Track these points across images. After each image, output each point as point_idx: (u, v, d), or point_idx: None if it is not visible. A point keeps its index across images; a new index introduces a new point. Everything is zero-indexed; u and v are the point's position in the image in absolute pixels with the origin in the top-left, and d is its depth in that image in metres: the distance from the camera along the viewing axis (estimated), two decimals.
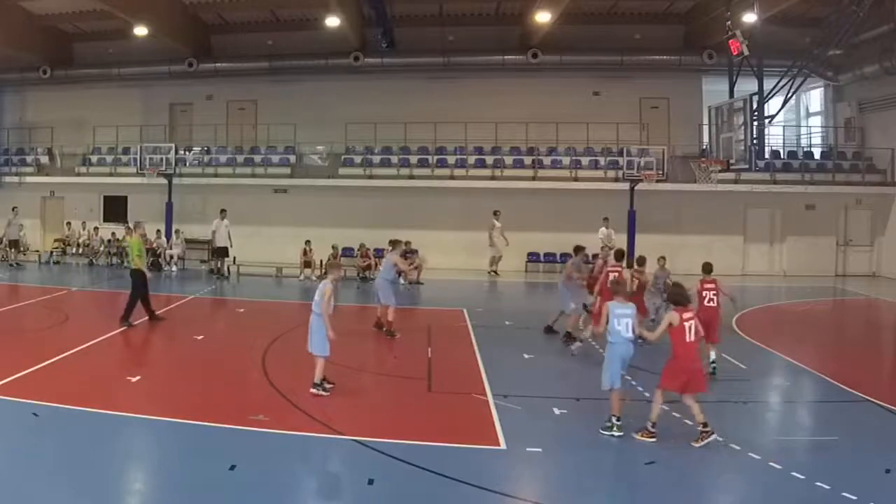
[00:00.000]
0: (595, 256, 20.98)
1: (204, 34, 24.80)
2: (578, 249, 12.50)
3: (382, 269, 12.78)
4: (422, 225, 22.30)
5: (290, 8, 23.27)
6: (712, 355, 9.93)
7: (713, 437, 6.97)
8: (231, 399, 8.42)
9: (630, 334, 7.43)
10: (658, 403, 7.26)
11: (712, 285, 9.94)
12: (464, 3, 23.20)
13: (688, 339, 7.16)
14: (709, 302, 9.85)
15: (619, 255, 12.05)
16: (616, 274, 10.88)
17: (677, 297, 7.48)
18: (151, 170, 22.26)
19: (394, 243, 13.00)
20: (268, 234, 22.80)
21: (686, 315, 7.23)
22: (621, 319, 7.45)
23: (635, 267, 12.51)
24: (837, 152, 23.15)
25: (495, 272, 21.41)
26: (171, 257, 21.53)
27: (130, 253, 13.36)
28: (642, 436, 7.19)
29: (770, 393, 9.60)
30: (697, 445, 6.93)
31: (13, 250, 21.90)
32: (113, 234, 23.26)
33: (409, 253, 20.96)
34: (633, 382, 9.30)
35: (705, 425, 7.01)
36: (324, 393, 8.43)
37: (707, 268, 10.29)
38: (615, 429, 7.30)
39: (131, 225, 22.58)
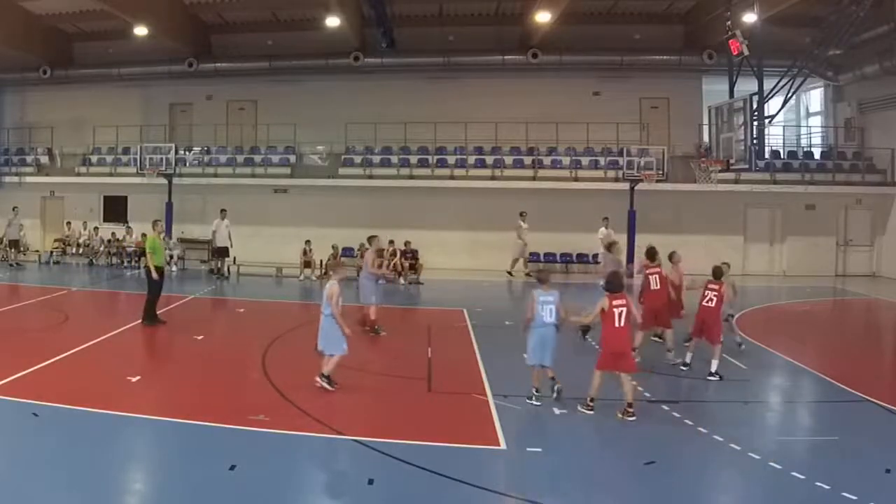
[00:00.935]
0: (595, 256, 21.17)
1: (204, 34, 24.80)
2: (612, 245, 12.15)
3: (363, 268, 12.81)
4: (422, 225, 22.30)
5: (290, 8, 23.28)
6: (714, 364, 9.59)
7: (633, 418, 7.73)
8: (231, 399, 8.42)
9: (551, 319, 8.13)
10: (596, 383, 7.95)
11: (716, 287, 9.80)
12: (464, 3, 23.21)
13: (616, 325, 7.83)
14: (707, 302, 9.77)
15: (650, 255, 11.16)
16: (656, 276, 10.61)
17: (610, 284, 8.15)
18: (151, 170, 22.25)
19: (370, 240, 12.95)
20: (268, 234, 22.79)
21: (616, 301, 7.88)
22: (545, 306, 8.14)
23: (647, 261, 11.23)
24: (837, 152, 23.16)
25: (509, 273, 20.98)
26: (171, 257, 21.51)
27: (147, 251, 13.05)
28: (584, 407, 7.96)
29: (770, 393, 9.60)
30: (619, 415, 7.78)
31: (13, 250, 21.90)
32: (113, 234, 23.29)
33: (408, 252, 21.00)
34: (632, 380, 9.32)
35: (630, 405, 7.82)
36: (328, 387, 8.48)
37: (716, 272, 10.05)
38: (534, 399, 8.23)
39: (130, 224, 23.03)
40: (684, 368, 9.91)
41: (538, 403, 8.20)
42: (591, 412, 7.93)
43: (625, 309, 7.86)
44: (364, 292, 12.38)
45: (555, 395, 8.22)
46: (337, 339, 8.51)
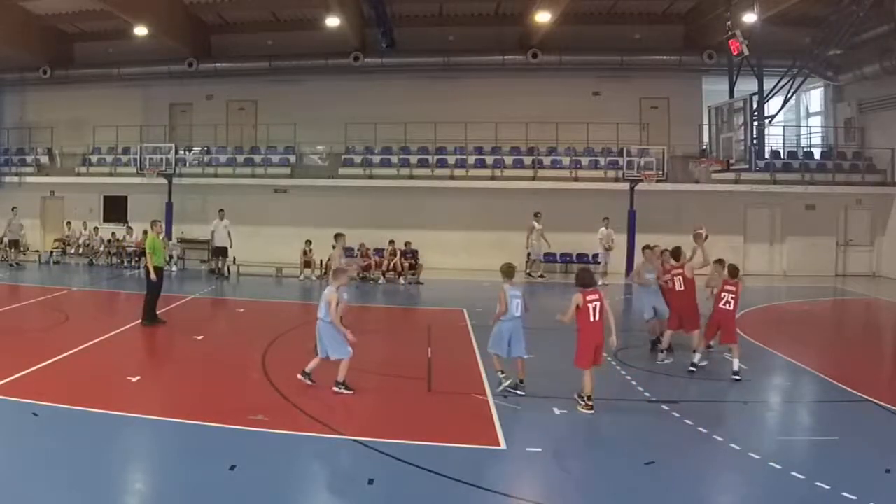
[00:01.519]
0: (595, 256, 21.18)
1: (204, 34, 24.81)
2: (646, 248, 11.96)
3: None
4: (422, 225, 22.32)
5: (290, 8, 23.30)
6: (736, 364, 9.45)
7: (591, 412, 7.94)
8: (231, 399, 8.41)
9: (518, 313, 8.52)
10: (588, 381, 8.00)
11: (733, 288, 9.53)
12: (464, 3, 23.22)
13: (592, 319, 7.99)
14: (725, 304, 9.51)
15: (676, 255, 10.82)
16: (680, 277, 10.32)
17: (582, 279, 8.29)
18: (151, 170, 22.26)
19: (336, 238, 12.81)
20: (268, 234, 22.79)
21: (590, 297, 8.03)
22: (513, 300, 8.52)
23: (672, 262, 10.91)
24: (837, 152, 23.15)
25: (541, 276, 20.80)
26: (171, 257, 21.50)
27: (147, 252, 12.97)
28: (584, 408, 7.96)
29: (770, 393, 9.58)
30: (578, 408, 8.00)
31: (13, 250, 21.90)
32: (113, 234, 23.30)
33: (408, 252, 21.01)
34: (631, 380, 9.34)
35: (589, 398, 8.01)
36: (347, 391, 8.47)
37: (733, 271, 9.77)
38: (506, 381, 8.59)
39: (131, 224, 23.02)
40: (693, 370, 9.72)
41: (508, 382, 8.55)
42: (592, 411, 7.92)
43: (598, 304, 8.02)
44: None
45: (504, 385, 8.60)
46: (340, 343, 8.51)
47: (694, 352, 10.20)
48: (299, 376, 8.74)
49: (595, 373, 8.13)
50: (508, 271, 8.80)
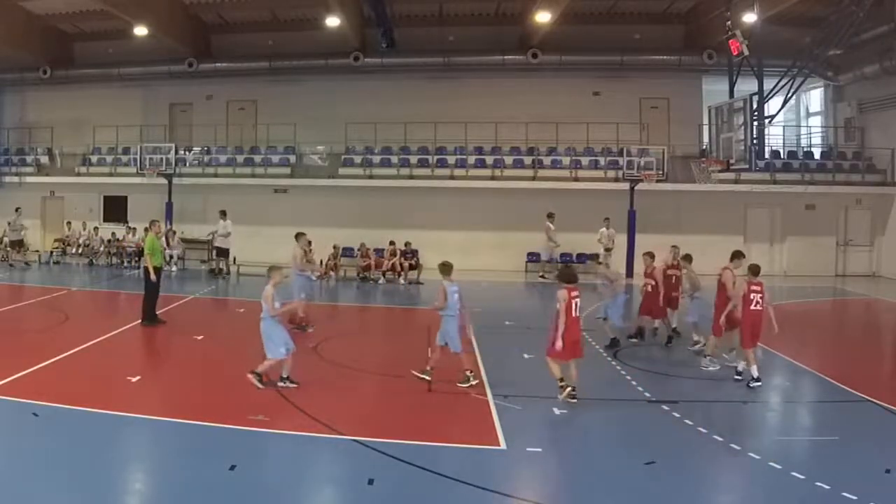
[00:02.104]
0: (596, 257, 21.16)
1: (204, 34, 24.81)
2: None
3: (293, 265, 12.77)
4: (422, 225, 22.30)
5: (290, 8, 23.31)
6: (742, 365, 9.42)
7: (573, 398, 8.14)
8: (231, 399, 8.41)
9: (458, 307, 8.98)
10: (558, 371, 8.25)
11: (759, 288, 9.34)
12: (464, 3, 23.21)
13: (574, 314, 8.22)
14: (755, 305, 9.21)
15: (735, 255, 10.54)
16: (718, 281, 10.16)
17: (567, 276, 8.49)
18: (151, 170, 22.27)
19: (297, 237, 12.94)
20: (268, 234, 22.69)
21: (574, 293, 8.25)
22: (453, 295, 8.92)
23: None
24: (837, 152, 23.15)
25: (541, 276, 20.83)
26: (171, 257, 21.49)
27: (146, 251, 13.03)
28: (567, 397, 8.15)
29: (770, 393, 9.56)
30: (560, 397, 8.17)
31: (15, 250, 21.89)
32: (113, 234, 23.29)
33: (408, 252, 21.01)
34: (631, 380, 9.34)
35: (573, 389, 8.19)
36: (260, 385, 8.55)
37: (755, 269, 9.45)
38: (472, 379, 8.86)
39: (132, 225, 23.00)
40: (758, 384, 9.17)
41: (475, 382, 8.85)
42: (575, 400, 8.10)
43: (579, 299, 8.29)
44: (293, 289, 12.41)
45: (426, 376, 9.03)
46: (276, 343, 8.59)
47: (706, 356, 10.13)
48: (280, 384, 8.72)
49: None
50: (446, 269, 9.17)
